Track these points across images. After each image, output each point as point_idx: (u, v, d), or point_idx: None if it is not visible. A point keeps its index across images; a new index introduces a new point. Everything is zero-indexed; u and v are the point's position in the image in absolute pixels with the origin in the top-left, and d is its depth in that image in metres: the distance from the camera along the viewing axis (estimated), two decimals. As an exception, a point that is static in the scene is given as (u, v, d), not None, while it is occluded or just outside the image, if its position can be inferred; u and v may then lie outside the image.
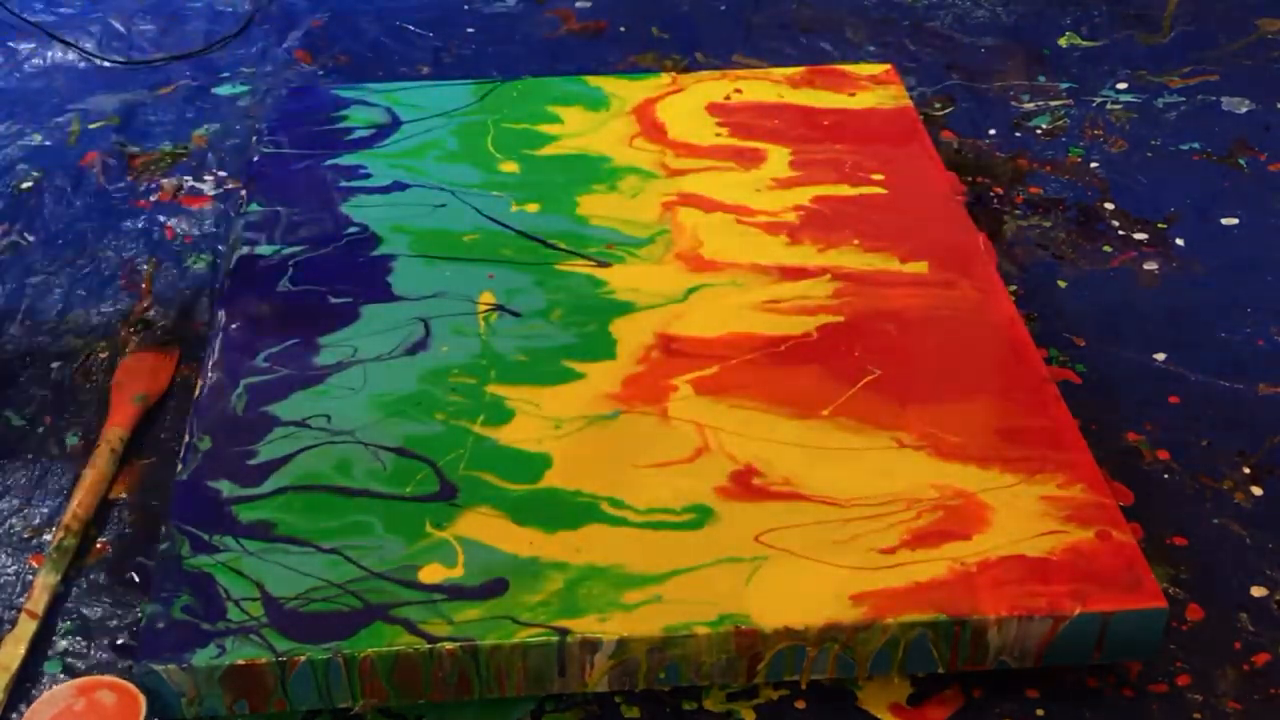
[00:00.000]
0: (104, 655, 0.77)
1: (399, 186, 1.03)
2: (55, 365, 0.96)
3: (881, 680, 0.75)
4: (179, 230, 1.08)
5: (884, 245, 0.97)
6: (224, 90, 1.26)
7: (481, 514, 0.78)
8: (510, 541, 0.76)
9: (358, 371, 0.87)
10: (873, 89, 1.14)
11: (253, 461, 0.81)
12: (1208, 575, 0.82)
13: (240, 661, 0.70)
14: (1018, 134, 1.19)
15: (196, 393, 0.86)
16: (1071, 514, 0.78)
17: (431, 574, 0.74)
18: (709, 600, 0.73)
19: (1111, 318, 1.00)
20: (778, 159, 1.06)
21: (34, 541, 0.84)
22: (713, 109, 1.12)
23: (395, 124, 1.10)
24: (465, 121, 1.10)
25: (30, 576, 0.81)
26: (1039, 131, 1.19)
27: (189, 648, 0.71)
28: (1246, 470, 0.88)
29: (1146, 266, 1.04)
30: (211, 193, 1.12)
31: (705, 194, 1.02)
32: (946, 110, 1.22)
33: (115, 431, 0.89)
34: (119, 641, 0.78)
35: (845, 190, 1.03)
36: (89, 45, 1.32)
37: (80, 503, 0.84)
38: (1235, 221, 1.09)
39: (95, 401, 0.92)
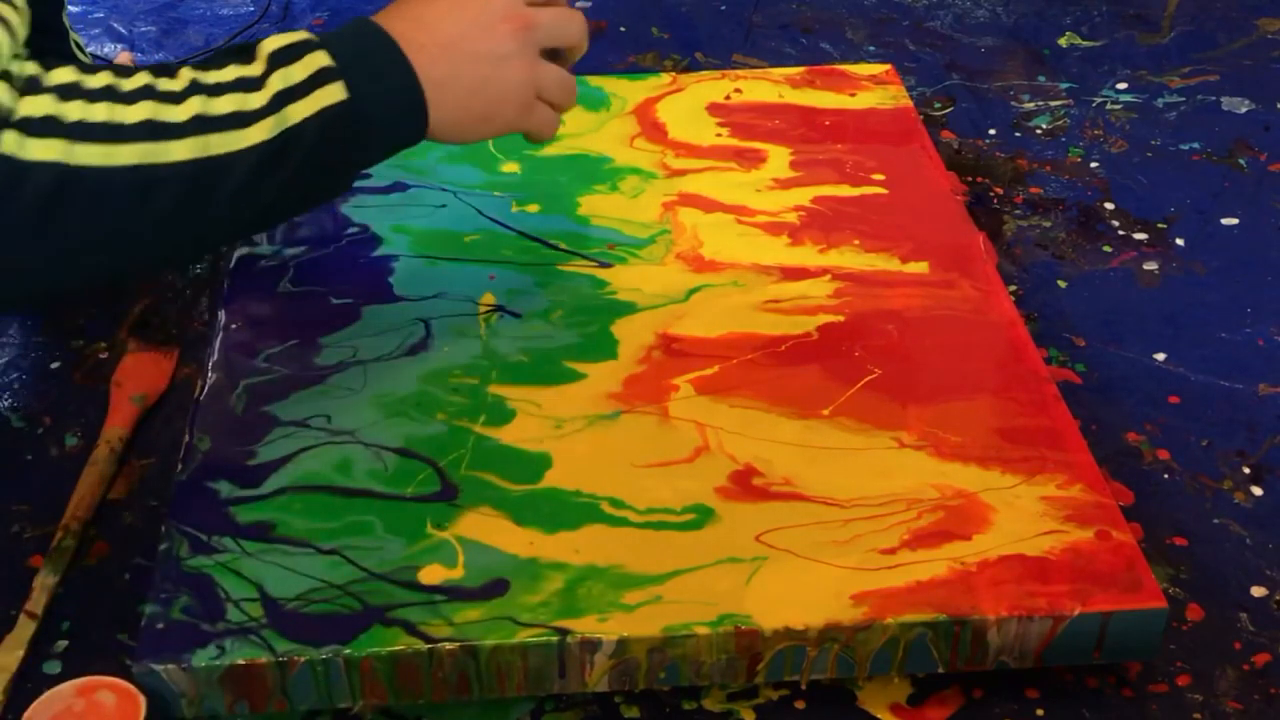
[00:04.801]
0: (104, 655, 0.77)
1: (400, 187, 1.03)
2: (55, 365, 0.96)
3: (881, 680, 0.75)
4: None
5: (884, 245, 0.97)
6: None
7: (482, 514, 0.78)
8: (510, 542, 0.76)
9: (358, 372, 0.87)
10: (873, 89, 1.14)
11: (252, 462, 0.81)
12: (1208, 575, 0.82)
13: (240, 662, 0.70)
14: (1018, 134, 1.19)
15: (196, 393, 0.86)
16: (1071, 514, 0.78)
17: (431, 575, 0.74)
18: (709, 600, 0.73)
19: (1111, 318, 1.00)
20: (778, 159, 1.06)
21: (33, 541, 0.84)
22: (713, 109, 1.12)
23: (395, 124, 1.10)
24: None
25: (30, 577, 0.81)
26: (1039, 131, 1.19)
27: (189, 648, 0.71)
28: (1246, 470, 0.88)
29: (1146, 266, 1.04)
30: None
31: (705, 194, 1.02)
32: (946, 110, 1.22)
33: (115, 431, 0.89)
34: (119, 641, 0.78)
35: (846, 190, 1.03)
36: (90, 46, 1.32)
37: (80, 503, 0.84)
38: (1235, 221, 1.09)
39: (95, 401, 0.92)
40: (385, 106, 0.78)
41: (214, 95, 0.73)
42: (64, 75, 0.71)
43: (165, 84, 0.73)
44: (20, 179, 0.68)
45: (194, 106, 0.72)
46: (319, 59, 0.76)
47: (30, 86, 0.70)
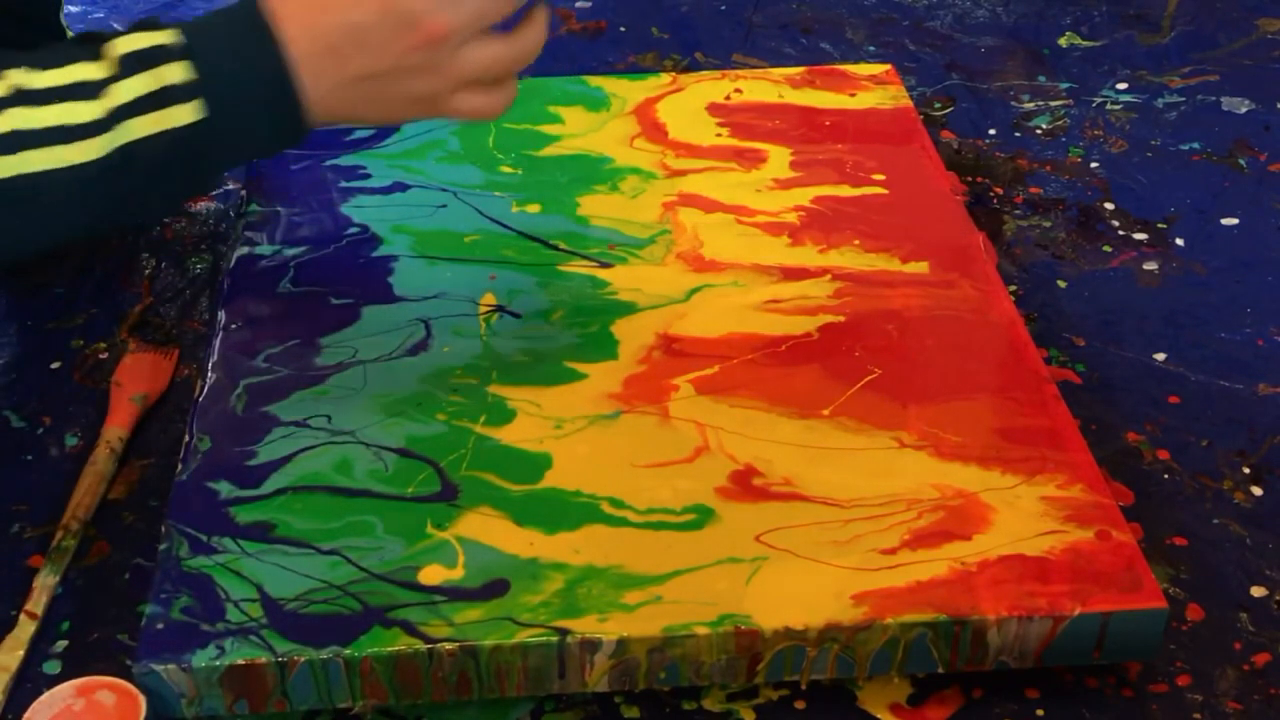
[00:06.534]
0: (104, 655, 0.77)
1: (400, 187, 1.03)
2: (55, 365, 0.96)
3: (881, 680, 0.75)
4: (179, 230, 1.08)
5: (884, 245, 0.97)
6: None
7: (482, 514, 0.78)
8: (510, 542, 0.76)
9: (358, 372, 0.87)
10: (873, 89, 1.14)
11: (252, 462, 0.81)
12: (1208, 575, 0.82)
13: (240, 662, 0.70)
14: (1018, 134, 1.19)
15: (196, 393, 0.86)
16: (1071, 514, 0.78)
17: (431, 575, 0.74)
18: (709, 600, 0.73)
19: (1111, 318, 1.00)
20: (778, 159, 1.06)
21: (33, 541, 0.84)
22: (713, 109, 1.12)
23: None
24: (466, 121, 1.10)
25: (30, 577, 0.81)
26: (1039, 131, 1.19)
27: (188, 648, 0.71)
28: (1246, 470, 0.88)
29: (1146, 266, 1.04)
30: (211, 192, 1.12)
31: (705, 194, 1.02)
32: (946, 110, 1.22)
33: (115, 431, 0.89)
34: (119, 641, 0.78)
35: (846, 190, 1.03)
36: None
37: (80, 503, 0.84)
38: (1235, 221, 1.09)
39: (95, 401, 0.92)
40: (248, 118, 0.71)
41: (39, 105, 0.68)
42: None
43: None
44: None
45: (13, 120, 0.68)
46: (173, 72, 0.70)
47: None
